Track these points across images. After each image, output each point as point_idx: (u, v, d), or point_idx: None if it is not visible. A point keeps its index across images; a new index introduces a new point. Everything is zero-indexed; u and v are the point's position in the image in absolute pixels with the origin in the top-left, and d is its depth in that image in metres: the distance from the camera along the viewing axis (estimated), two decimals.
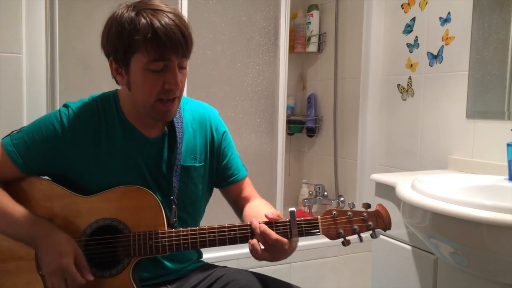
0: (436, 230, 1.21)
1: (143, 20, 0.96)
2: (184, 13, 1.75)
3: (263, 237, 0.98)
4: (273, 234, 0.98)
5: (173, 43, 0.97)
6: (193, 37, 1.02)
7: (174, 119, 1.13)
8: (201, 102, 1.24)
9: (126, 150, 1.09)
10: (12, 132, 1.09)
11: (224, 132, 1.22)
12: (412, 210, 1.27)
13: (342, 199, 2.37)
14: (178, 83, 1.01)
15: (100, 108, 1.10)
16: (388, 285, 1.64)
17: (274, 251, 0.99)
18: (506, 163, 1.41)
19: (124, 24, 0.97)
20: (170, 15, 0.98)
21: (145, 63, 0.98)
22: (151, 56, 0.97)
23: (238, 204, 1.23)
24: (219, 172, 1.20)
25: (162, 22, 0.96)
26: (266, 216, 1.02)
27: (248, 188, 1.24)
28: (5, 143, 1.07)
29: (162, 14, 0.97)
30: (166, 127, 1.13)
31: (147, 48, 0.96)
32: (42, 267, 1.00)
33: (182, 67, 1.03)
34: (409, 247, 1.54)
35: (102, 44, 1.05)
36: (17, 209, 1.02)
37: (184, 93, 1.76)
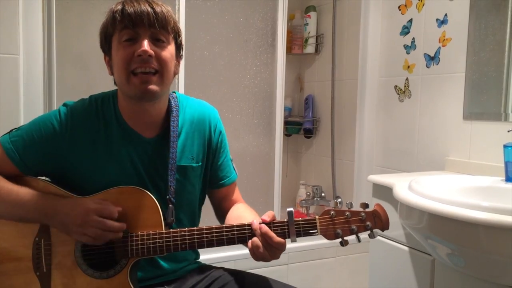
0: (433, 231, 1.21)
1: (117, 5, 1.02)
2: (182, 14, 1.75)
3: (264, 239, 0.98)
4: (275, 237, 0.97)
5: (138, 13, 1.00)
6: (170, 14, 1.05)
7: (171, 117, 1.12)
8: (201, 101, 1.23)
9: (123, 150, 1.09)
10: (11, 130, 1.09)
11: (221, 132, 1.22)
12: (409, 211, 1.27)
13: (339, 200, 2.37)
14: (146, 50, 1.00)
15: (99, 109, 1.10)
16: (385, 286, 1.64)
17: (273, 252, 0.99)
18: (502, 164, 1.41)
19: (104, 19, 1.05)
20: (156, 3, 1.03)
21: (118, 38, 1.02)
22: (119, 27, 1.01)
23: (222, 206, 1.23)
24: (212, 173, 1.20)
25: (134, 2, 1.01)
26: (263, 220, 1.01)
27: (235, 192, 1.25)
28: (3, 141, 1.07)
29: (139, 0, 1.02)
30: (163, 127, 1.13)
31: (116, 23, 1.01)
32: (70, 231, 1.00)
33: (158, 40, 1.04)
34: (406, 248, 1.54)
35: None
36: (21, 189, 1.03)
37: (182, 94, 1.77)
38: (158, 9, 1.02)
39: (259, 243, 0.98)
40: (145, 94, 1.03)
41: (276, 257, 1.00)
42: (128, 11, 1.00)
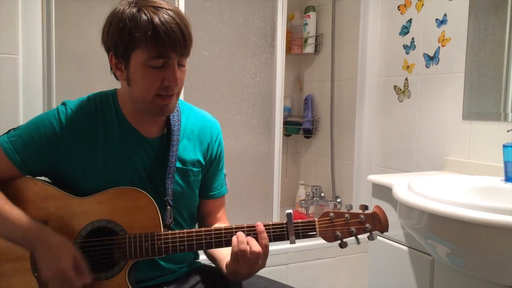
0: (433, 231, 1.21)
1: (144, 17, 0.97)
2: None
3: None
4: (256, 245, 0.98)
5: (172, 42, 0.97)
6: (193, 35, 1.03)
7: (172, 120, 1.13)
8: (204, 112, 1.24)
9: (123, 149, 1.08)
10: (9, 131, 1.08)
11: (221, 144, 1.23)
12: (408, 211, 1.27)
13: (339, 200, 2.37)
14: (177, 80, 1.01)
15: (99, 107, 1.09)
16: (385, 286, 1.64)
17: (248, 263, 0.98)
18: (502, 164, 1.41)
19: (125, 20, 0.98)
20: (171, 13, 0.99)
21: (145, 59, 0.99)
22: (151, 53, 0.98)
23: (206, 220, 1.21)
24: (204, 182, 1.20)
25: (163, 19, 0.97)
26: (257, 226, 1.02)
27: (222, 210, 1.24)
28: (1, 141, 1.06)
29: (163, 11, 0.98)
30: (165, 128, 1.13)
31: (147, 45, 0.97)
32: (41, 272, 0.99)
33: (181, 65, 1.04)
34: (405, 248, 1.54)
35: (103, 39, 1.05)
36: (13, 211, 1.01)
37: (181, 95, 1.77)
38: (186, 32, 1.00)
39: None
40: (164, 113, 1.07)
41: (251, 270, 0.99)
42: (163, 37, 0.96)
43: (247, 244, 0.98)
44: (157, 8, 0.98)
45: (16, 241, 1.01)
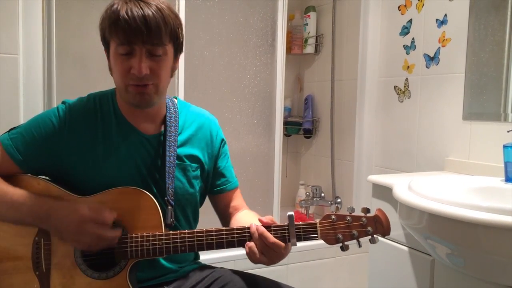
0: (433, 231, 1.21)
1: (114, 7, 1.00)
2: (181, 14, 1.75)
3: (261, 240, 0.98)
4: (271, 237, 0.98)
5: (132, 30, 0.98)
6: (169, 28, 1.02)
7: (169, 118, 1.13)
8: (202, 109, 1.24)
9: (123, 147, 1.09)
10: (10, 129, 1.09)
11: (223, 140, 1.23)
12: (409, 211, 1.27)
13: (339, 200, 2.37)
14: (141, 69, 1.00)
15: (98, 106, 1.10)
16: (385, 286, 1.64)
17: (271, 255, 0.99)
18: (502, 165, 1.41)
19: (103, 12, 1.03)
20: (151, 6, 0.99)
21: (115, 47, 1.02)
22: (116, 40, 1.01)
23: (226, 213, 1.22)
24: (213, 178, 1.21)
25: (128, 9, 0.98)
26: (260, 221, 1.01)
27: (238, 198, 1.24)
28: (2, 139, 1.07)
29: (135, 2, 0.99)
30: (163, 125, 1.14)
31: (111, 32, 1.01)
32: (64, 237, 0.99)
33: (154, 55, 1.02)
34: (406, 248, 1.54)
35: None
36: (16, 192, 1.02)
37: (182, 94, 1.78)
38: (152, 22, 0.98)
39: (255, 250, 0.98)
40: (141, 103, 1.06)
41: (274, 261, 0.99)
42: (122, 25, 0.97)
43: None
44: (136, 0, 0.99)
45: (23, 219, 1.01)
